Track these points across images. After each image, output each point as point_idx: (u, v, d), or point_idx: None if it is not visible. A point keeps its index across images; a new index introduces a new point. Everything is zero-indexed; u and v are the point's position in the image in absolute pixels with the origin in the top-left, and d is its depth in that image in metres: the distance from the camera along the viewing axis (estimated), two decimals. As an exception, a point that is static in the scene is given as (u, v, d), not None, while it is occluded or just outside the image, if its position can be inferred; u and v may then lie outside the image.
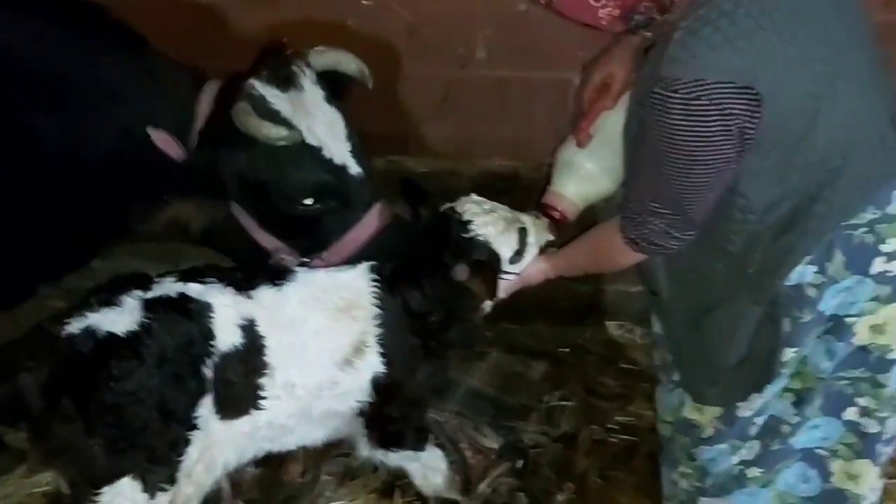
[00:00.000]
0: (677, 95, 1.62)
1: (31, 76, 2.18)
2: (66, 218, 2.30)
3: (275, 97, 2.19)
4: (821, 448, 2.08)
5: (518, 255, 2.18)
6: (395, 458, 2.34)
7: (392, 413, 2.22)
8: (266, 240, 2.34)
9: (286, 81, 2.23)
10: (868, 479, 2.07)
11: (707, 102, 1.61)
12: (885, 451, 2.07)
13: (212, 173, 2.24)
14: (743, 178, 1.77)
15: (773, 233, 1.84)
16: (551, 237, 2.24)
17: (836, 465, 2.09)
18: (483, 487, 2.72)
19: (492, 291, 2.16)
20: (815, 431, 2.06)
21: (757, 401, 2.03)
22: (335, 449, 2.75)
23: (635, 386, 3.12)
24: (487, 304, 2.27)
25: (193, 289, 1.96)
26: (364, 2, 3.14)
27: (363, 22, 3.19)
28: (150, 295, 1.92)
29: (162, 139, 2.24)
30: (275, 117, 2.17)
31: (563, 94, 3.30)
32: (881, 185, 1.80)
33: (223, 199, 2.31)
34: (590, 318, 3.45)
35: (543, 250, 2.27)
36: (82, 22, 2.31)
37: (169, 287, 1.96)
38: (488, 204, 2.21)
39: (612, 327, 3.43)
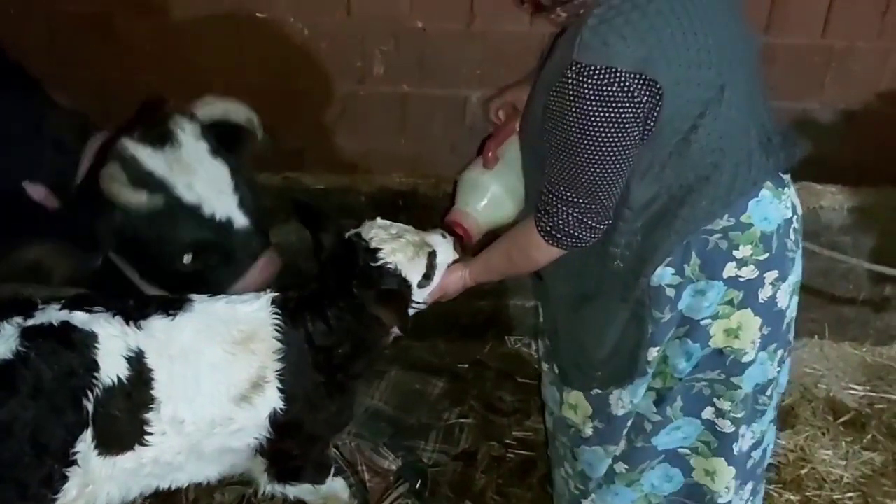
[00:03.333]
0: (591, 81, 1.72)
1: None
2: None
3: (148, 157, 2.21)
4: (682, 447, 2.25)
5: (427, 278, 2.19)
6: (295, 492, 2.35)
7: (291, 450, 2.21)
8: (150, 291, 2.36)
9: (162, 139, 2.25)
10: (723, 477, 2.24)
11: (618, 89, 1.72)
12: (742, 452, 2.24)
13: (86, 226, 2.23)
14: (631, 172, 1.88)
15: (643, 231, 1.97)
16: (457, 256, 2.26)
17: (695, 461, 2.26)
18: (384, 508, 2.76)
19: (402, 320, 2.16)
20: (677, 433, 2.22)
21: (626, 399, 2.16)
22: (228, 477, 2.78)
23: (532, 400, 3.24)
24: (395, 330, 2.28)
25: (78, 317, 1.93)
26: (259, 14, 3.16)
27: (258, 35, 3.20)
28: (30, 322, 1.88)
29: (39, 193, 2.22)
30: (147, 178, 2.19)
31: (461, 110, 3.41)
32: (740, 196, 1.97)
33: (96, 251, 2.30)
34: (489, 332, 3.56)
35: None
36: None
37: (52, 314, 1.92)
38: (395, 228, 2.19)
39: (511, 342, 3.55)
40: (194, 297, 2.14)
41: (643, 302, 2.02)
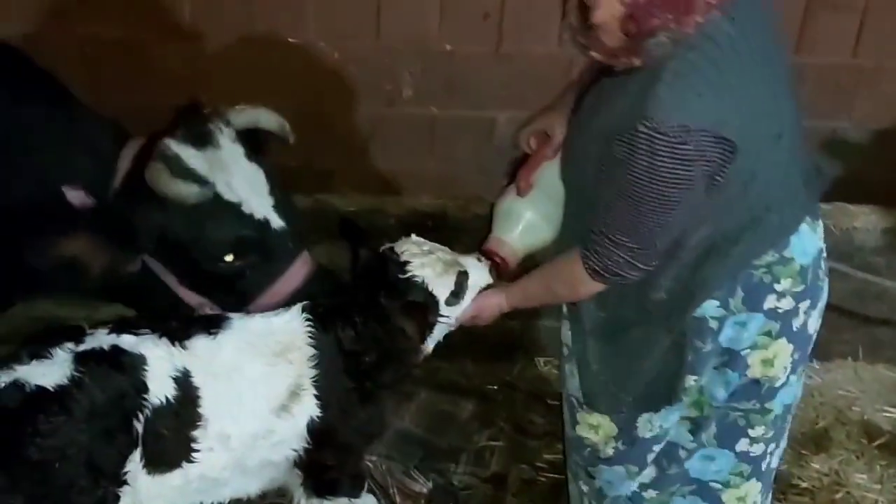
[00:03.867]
0: (664, 139, 1.73)
1: None
2: None
3: (190, 156, 2.25)
4: (714, 481, 2.28)
5: (455, 296, 2.24)
6: None
7: (327, 460, 2.26)
8: (188, 296, 2.38)
9: (202, 140, 2.29)
10: (752, 495, 2.30)
11: (692, 148, 1.74)
12: (771, 468, 2.31)
13: (124, 226, 2.27)
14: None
15: (692, 266, 2.01)
16: (491, 281, 2.31)
17: (726, 495, 2.29)
18: (414, 531, 2.82)
19: (426, 332, 2.24)
20: (709, 464, 2.25)
21: (656, 423, 2.19)
22: (261, 499, 2.82)
23: (562, 422, 3.27)
24: (428, 346, 2.34)
25: (126, 341, 1.98)
26: (290, 39, 3.24)
27: (289, 59, 3.29)
28: (81, 347, 1.93)
29: (77, 198, 2.27)
30: (190, 175, 2.22)
31: (489, 131, 3.48)
32: (787, 233, 2.03)
33: (133, 251, 2.33)
34: (518, 353, 3.59)
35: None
36: (2, 69, 2.33)
37: (101, 339, 1.97)
38: (428, 245, 2.26)
39: (540, 363, 3.57)
40: (232, 315, 2.20)
41: (684, 332, 2.07)
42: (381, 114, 3.43)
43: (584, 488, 2.43)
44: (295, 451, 2.19)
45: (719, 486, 2.29)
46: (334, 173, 3.49)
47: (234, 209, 2.29)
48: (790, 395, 2.21)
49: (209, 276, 2.35)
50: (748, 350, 2.09)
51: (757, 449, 2.23)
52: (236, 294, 2.36)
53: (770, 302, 2.04)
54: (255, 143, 2.40)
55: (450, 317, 2.29)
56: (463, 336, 2.57)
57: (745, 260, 2.01)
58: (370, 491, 2.65)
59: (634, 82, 1.82)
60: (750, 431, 2.21)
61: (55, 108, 2.37)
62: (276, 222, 2.35)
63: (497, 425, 3.27)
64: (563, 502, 2.97)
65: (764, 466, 2.28)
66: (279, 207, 2.37)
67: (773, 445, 2.26)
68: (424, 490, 2.94)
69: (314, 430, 2.17)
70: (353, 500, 2.38)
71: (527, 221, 2.38)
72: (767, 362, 2.11)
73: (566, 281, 2.09)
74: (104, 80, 3.24)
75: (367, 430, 2.33)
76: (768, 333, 2.08)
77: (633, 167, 1.79)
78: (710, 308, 2.04)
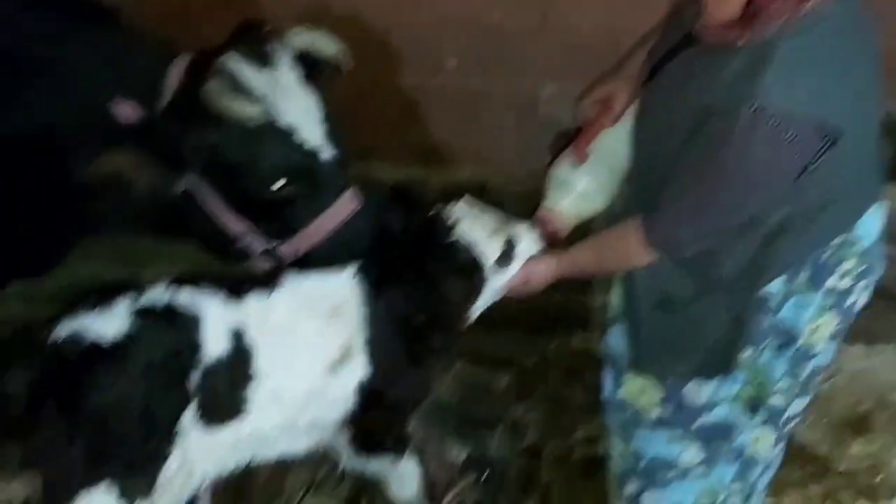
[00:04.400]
0: (767, 126, 1.71)
1: None
2: (34, 206, 2.34)
3: (249, 74, 2.20)
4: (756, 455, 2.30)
5: (503, 261, 2.27)
6: (375, 466, 2.44)
7: (375, 420, 2.31)
8: (232, 223, 2.36)
9: (261, 59, 2.24)
10: (764, 440, 2.29)
11: (793, 136, 1.73)
12: (786, 418, 2.28)
13: (172, 143, 2.24)
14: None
15: (763, 244, 2.00)
16: (542, 249, 2.33)
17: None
18: (448, 500, 2.85)
19: (473, 295, 2.28)
20: (749, 439, 2.27)
21: (704, 391, 2.20)
22: (300, 460, 2.91)
23: (599, 398, 3.31)
24: (475, 310, 2.37)
25: (182, 297, 2.03)
26: (336, 9, 3.28)
27: (336, 29, 3.32)
28: (139, 303, 1.99)
29: (126, 112, 2.23)
30: (248, 95, 2.18)
31: (532, 105, 3.51)
32: (858, 215, 2.03)
33: (179, 169, 2.30)
34: (558, 328, 3.62)
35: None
36: None
37: (158, 295, 2.03)
38: (477, 208, 2.30)
39: (579, 338, 3.58)
40: (285, 274, 2.24)
41: (747, 307, 2.08)
42: (425, 85, 3.47)
43: (622, 451, 2.45)
44: (344, 409, 2.24)
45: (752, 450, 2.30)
46: (377, 144, 3.53)
47: (287, 136, 2.26)
48: (824, 359, 2.21)
49: (256, 201, 2.32)
50: (804, 328, 2.11)
51: (779, 401, 2.22)
52: (281, 223, 2.35)
53: (831, 282, 2.06)
54: (310, 67, 2.37)
55: (497, 282, 2.32)
56: (501, 309, 2.61)
57: (819, 241, 2.02)
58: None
59: (738, 60, 1.78)
60: (791, 404, 2.23)
61: (100, 31, 2.36)
62: (328, 153, 2.34)
63: (534, 398, 3.30)
64: (599, 477, 3.03)
65: (782, 419, 2.27)
66: (331, 136, 2.36)
67: (795, 400, 2.24)
68: (459, 459, 2.99)
69: (364, 390, 2.23)
70: (396, 460, 2.45)
71: (581, 190, 2.39)
72: (813, 331, 2.13)
73: (620, 252, 2.11)
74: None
75: (414, 392, 2.38)
76: (822, 309, 2.09)
77: (728, 147, 1.77)
78: (774, 285, 2.05)
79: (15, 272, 2.51)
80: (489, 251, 2.27)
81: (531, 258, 2.31)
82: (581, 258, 2.26)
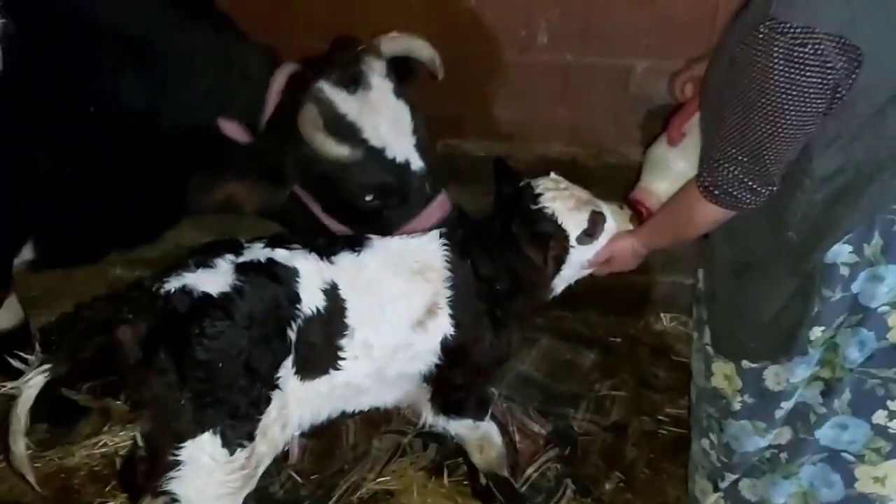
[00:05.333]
0: (783, 39, 1.72)
1: (119, 42, 2.38)
2: (144, 185, 2.53)
3: (342, 100, 2.42)
4: (846, 452, 2.22)
5: (588, 236, 2.37)
6: (456, 426, 2.57)
7: (456, 379, 2.44)
8: (331, 223, 2.59)
9: (354, 82, 2.45)
10: (893, 477, 2.19)
11: (811, 52, 1.71)
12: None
13: (276, 161, 2.45)
14: (816, 141, 1.89)
15: (823, 205, 1.98)
16: (631, 228, 2.42)
17: (860, 471, 2.22)
18: (531, 472, 2.93)
19: (555, 264, 2.37)
20: (842, 432, 2.20)
21: (783, 377, 2.18)
22: (387, 424, 3.04)
23: (686, 379, 3.25)
24: (558, 286, 2.48)
25: (280, 254, 2.20)
26: (428, -18, 3.36)
27: (427, 2, 3.41)
28: (241, 259, 2.15)
29: (231, 128, 2.46)
30: (341, 123, 2.40)
31: (624, 80, 3.49)
32: None
33: (284, 184, 2.53)
34: (644, 309, 3.66)
35: None
36: None
37: (258, 252, 2.19)
38: (565, 183, 2.41)
39: (666, 319, 3.63)
40: (373, 236, 2.41)
41: (812, 277, 2.03)
42: (515, 60, 3.50)
43: (714, 441, 2.45)
44: (427, 365, 2.38)
45: (853, 458, 2.22)
46: (465, 119, 3.60)
47: (378, 155, 2.46)
48: None
49: (351, 209, 2.55)
50: (887, 308, 2.02)
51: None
52: (375, 228, 2.53)
53: None
54: (403, 71, 2.55)
55: (581, 255, 2.39)
56: (588, 288, 2.67)
57: (882, 202, 1.95)
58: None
59: None
60: (889, 403, 2.11)
61: (213, 33, 2.54)
62: (416, 164, 2.53)
63: (619, 376, 3.33)
64: (684, 457, 3.04)
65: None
66: (420, 147, 2.54)
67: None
68: (543, 431, 3.05)
69: (447, 347, 2.36)
70: (477, 422, 2.56)
71: (677, 171, 2.43)
72: (892, 308, 2.02)
73: (685, 206, 2.11)
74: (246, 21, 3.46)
75: (495, 353, 2.48)
76: None
77: (748, 69, 1.80)
78: (842, 253, 2.00)
79: (116, 243, 2.73)
80: (573, 223, 2.36)
81: (616, 235, 2.38)
82: (658, 224, 2.29)
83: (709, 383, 2.39)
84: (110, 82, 2.38)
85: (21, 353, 2.10)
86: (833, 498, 2.28)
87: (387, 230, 2.55)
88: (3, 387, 2.06)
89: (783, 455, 2.32)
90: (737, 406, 2.31)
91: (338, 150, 2.38)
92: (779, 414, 2.26)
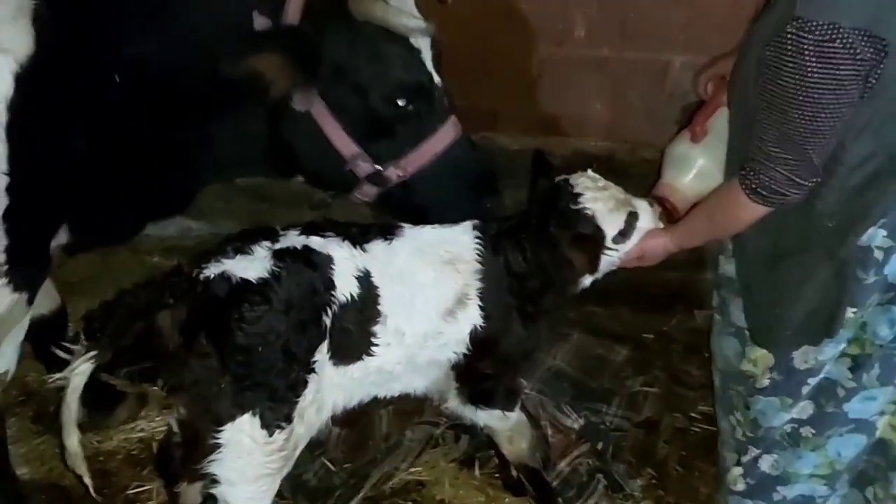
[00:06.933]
0: (811, 37, 1.78)
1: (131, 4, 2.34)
2: (173, 146, 2.49)
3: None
4: (874, 416, 2.28)
5: (623, 236, 2.37)
6: (485, 417, 2.58)
7: (485, 369, 2.46)
8: (344, 144, 2.49)
9: None
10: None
11: (841, 46, 1.77)
12: None
13: (310, 50, 2.36)
14: (847, 128, 1.93)
15: (857, 189, 2.01)
16: (660, 226, 2.42)
17: (881, 421, 2.29)
18: (562, 466, 2.95)
19: (591, 265, 2.38)
20: (871, 404, 2.25)
21: (811, 355, 2.21)
22: (420, 416, 3.08)
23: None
24: (586, 279, 2.48)
25: (315, 241, 2.23)
26: (466, -24, 3.38)
27: (462, -3, 3.43)
28: (277, 246, 2.19)
29: (264, 24, 2.35)
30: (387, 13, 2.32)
31: (661, 75, 3.50)
32: None
33: (313, 75, 2.40)
34: (677, 306, 3.65)
35: None
36: None
37: (294, 239, 2.23)
38: (602, 182, 2.40)
39: (700, 316, 3.60)
40: (405, 225, 2.43)
41: (847, 261, 2.07)
42: (552, 53, 3.52)
43: (740, 419, 2.48)
44: (456, 354, 2.40)
45: (877, 416, 2.29)
46: (500, 112, 3.63)
47: (417, 54, 2.43)
48: None
49: (373, 119, 2.48)
50: None
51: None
52: (391, 145, 2.51)
53: None
54: None
55: (614, 255, 2.41)
56: (621, 284, 2.67)
57: None
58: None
59: None
60: None
61: None
62: (437, 79, 2.51)
63: (651, 373, 3.34)
64: (716, 455, 3.03)
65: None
66: (437, 66, 2.51)
67: None
68: (575, 426, 3.07)
69: (476, 337, 2.38)
70: (506, 413, 2.58)
71: (700, 168, 2.46)
72: None
73: (727, 208, 2.14)
74: None
75: (524, 346, 2.50)
76: None
77: (781, 70, 1.84)
78: (877, 237, 2.04)
79: (152, 214, 2.71)
80: (612, 224, 2.36)
81: (648, 233, 2.39)
82: (694, 224, 2.31)
83: (737, 367, 2.42)
84: (134, 48, 2.33)
85: (65, 344, 2.11)
86: (856, 452, 2.34)
87: (403, 147, 2.52)
88: (52, 378, 2.08)
89: (805, 430, 2.35)
90: (765, 382, 2.34)
91: (416, 21, 2.34)
92: (805, 390, 2.30)
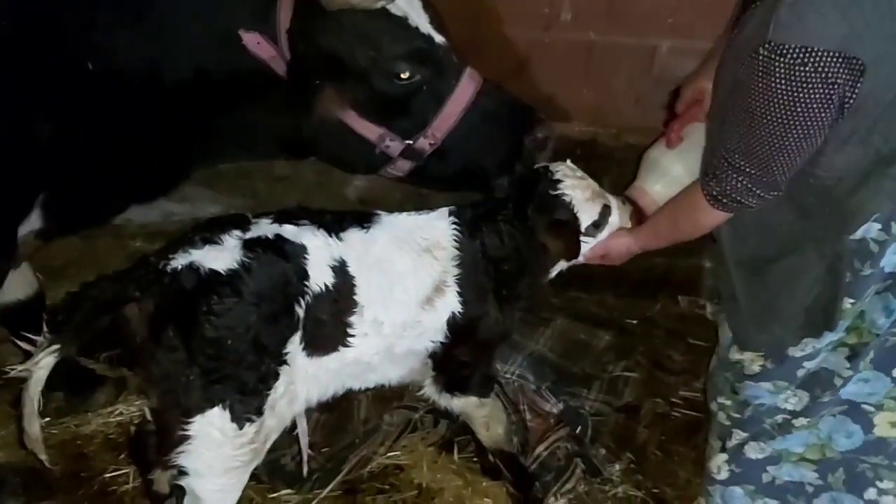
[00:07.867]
0: (783, 60, 1.78)
1: None
2: (157, 134, 2.47)
3: None
4: (866, 403, 2.27)
5: (596, 227, 2.39)
6: (460, 404, 2.58)
7: (463, 356, 2.46)
8: (367, 129, 2.49)
9: None
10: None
11: (812, 70, 1.77)
12: None
13: (310, 69, 2.38)
14: (830, 140, 1.94)
15: (847, 190, 2.02)
16: (629, 225, 2.45)
17: (878, 417, 2.28)
18: (541, 450, 2.95)
19: (568, 251, 2.39)
20: (863, 385, 2.25)
21: (809, 343, 2.22)
22: (398, 400, 3.06)
23: (702, 362, 3.22)
24: (559, 266, 2.49)
25: (288, 230, 2.19)
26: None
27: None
28: (248, 235, 2.15)
29: (253, 40, 2.36)
30: None
31: (649, 60, 3.45)
32: None
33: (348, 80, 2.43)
34: (661, 292, 3.64)
35: None
36: None
37: (266, 228, 2.19)
38: (580, 173, 2.43)
39: (683, 302, 3.61)
40: (381, 213, 2.40)
41: (840, 255, 2.08)
42: (537, 38, 3.46)
43: (726, 402, 2.48)
44: (433, 343, 2.39)
45: (872, 408, 2.28)
46: (485, 96, 3.58)
47: (403, 23, 2.39)
48: None
49: (386, 100, 2.46)
50: None
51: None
52: (413, 116, 2.49)
53: None
54: None
55: (585, 246, 2.42)
56: (605, 270, 2.66)
57: None
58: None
59: (764, 5, 1.87)
60: None
61: None
62: (438, 37, 2.47)
63: (633, 358, 3.33)
64: (696, 440, 3.05)
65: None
66: (436, 24, 2.48)
67: None
68: (554, 410, 3.06)
69: (454, 324, 2.38)
70: (482, 399, 2.58)
71: (672, 174, 2.48)
72: None
73: (689, 212, 2.17)
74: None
75: (499, 330, 2.50)
76: None
77: (751, 90, 1.85)
78: (871, 230, 2.05)
79: (133, 197, 2.68)
80: (587, 213, 2.38)
81: (615, 232, 2.41)
82: (659, 228, 2.34)
83: (729, 355, 2.43)
84: (107, 38, 2.32)
85: (29, 335, 2.10)
86: (851, 446, 2.34)
87: (426, 116, 2.48)
88: (14, 369, 2.06)
89: (802, 419, 2.35)
90: (756, 369, 2.35)
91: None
92: (801, 373, 2.30)
